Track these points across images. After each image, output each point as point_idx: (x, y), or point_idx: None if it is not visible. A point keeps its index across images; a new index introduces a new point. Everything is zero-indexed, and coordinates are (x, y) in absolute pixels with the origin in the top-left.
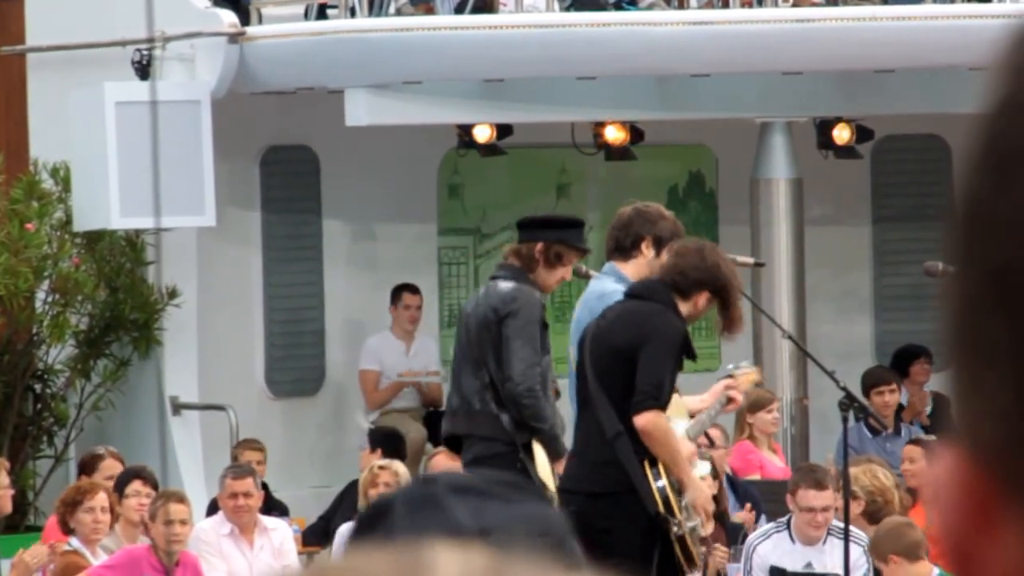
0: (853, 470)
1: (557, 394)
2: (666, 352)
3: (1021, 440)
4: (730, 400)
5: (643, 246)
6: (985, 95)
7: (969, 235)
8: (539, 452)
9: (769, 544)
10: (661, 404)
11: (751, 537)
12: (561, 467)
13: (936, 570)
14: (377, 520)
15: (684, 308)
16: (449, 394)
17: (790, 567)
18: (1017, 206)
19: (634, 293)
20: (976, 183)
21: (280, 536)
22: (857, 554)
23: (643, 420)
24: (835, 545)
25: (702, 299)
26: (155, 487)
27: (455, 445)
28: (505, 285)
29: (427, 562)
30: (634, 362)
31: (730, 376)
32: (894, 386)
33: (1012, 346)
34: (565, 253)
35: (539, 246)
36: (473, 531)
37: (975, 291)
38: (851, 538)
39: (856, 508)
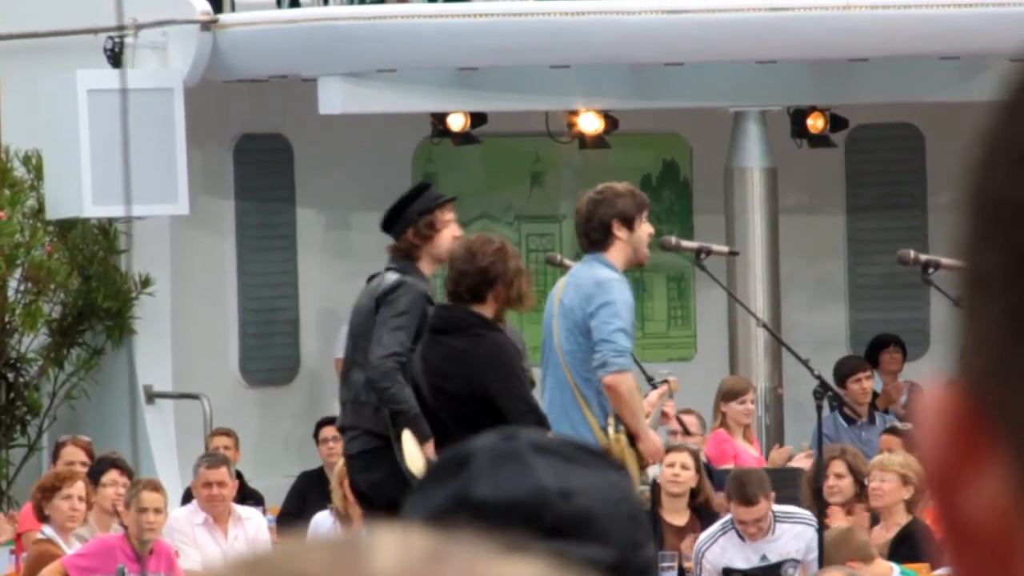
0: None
1: (532, 384)
2: (510, 373)
3: (1005, 368)
4: (665, 414)
5: (614, 231)
6: None
7: (975, 169)
8: (408, 441)
9: (717, 548)
10: (545, 425)
11: (699, 542)
12: (430, 448)
13: (896, 568)
14: (455, 470)
15: (489, 310)
16: (340, 386)
17: (744, 565)
18: (1017, 136)
19: (439, 328)
20: (992, 116)
21: (254, 526)
22: (809, 536)
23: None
24: (784, 530)
25: (499, 293)
26: (130, 476)
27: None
28: (391, 275)
29: (365, 547)
30: (485, 399)
31: (665, 382)
32: (869, 373)
33: (1002, 274)
34: (435, 218)
35: (410, 232)
36: (555, 492)
37: (975, 225)
38: (801, 520)
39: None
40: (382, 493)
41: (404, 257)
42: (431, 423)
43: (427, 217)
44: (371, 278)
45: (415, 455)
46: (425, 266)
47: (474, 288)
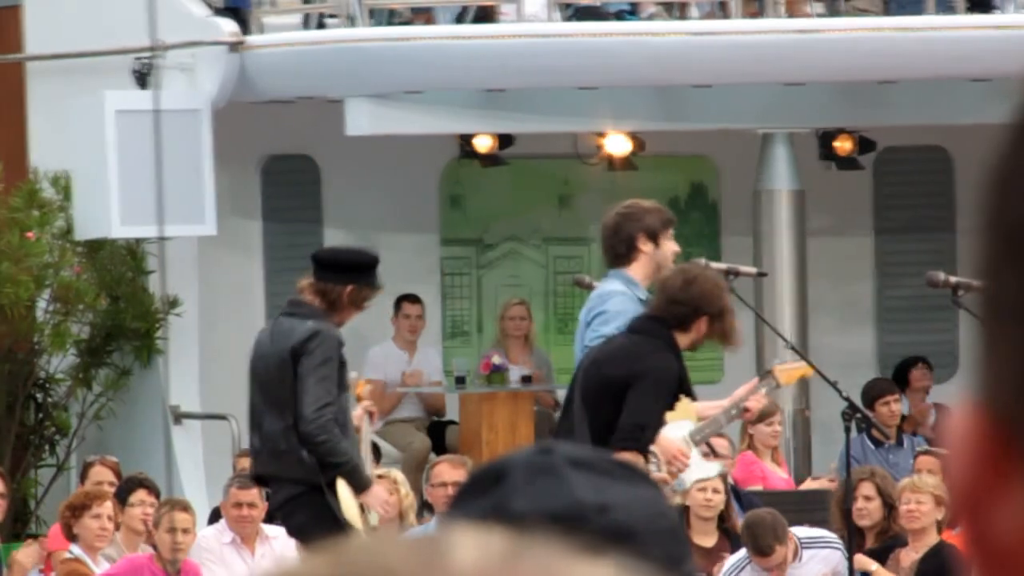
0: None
1: (557, 405)
2: (656, 393)
3: None
4: (746, 409)
5: (639, 244)
6: None
7: (990, 193)
8: (343, 490)
9: None
10: (641, 447)
11: (725, 570)
12: (368, 497)
13: None
14: (491, 484)
15: (686, 339)
16: (250, 435)
17: None
18: None
19: (634, 328)
20: (1003, 144)
21: (281, 544)
22: (836, 559)
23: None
24: (811, 556)
25: (702, 325)
26: (158, 497)
27: (264, 484)
28: (304, 324)
29: (445, 545)
30: (623, 396)
31: (769, 373)
32: (897, 395)
33: (1022, 299)
34: (371, 296)
35: (348, 289)
36: (593, 506)
37: (993, 249)
38: (827, 544)
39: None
40: (307, 536)
41: (325, 300)
42: (564, 407)
43: (368, 292)
44: (276, 320)
45: (351, 505)
46: (336, 321)
47: (681, 317)
